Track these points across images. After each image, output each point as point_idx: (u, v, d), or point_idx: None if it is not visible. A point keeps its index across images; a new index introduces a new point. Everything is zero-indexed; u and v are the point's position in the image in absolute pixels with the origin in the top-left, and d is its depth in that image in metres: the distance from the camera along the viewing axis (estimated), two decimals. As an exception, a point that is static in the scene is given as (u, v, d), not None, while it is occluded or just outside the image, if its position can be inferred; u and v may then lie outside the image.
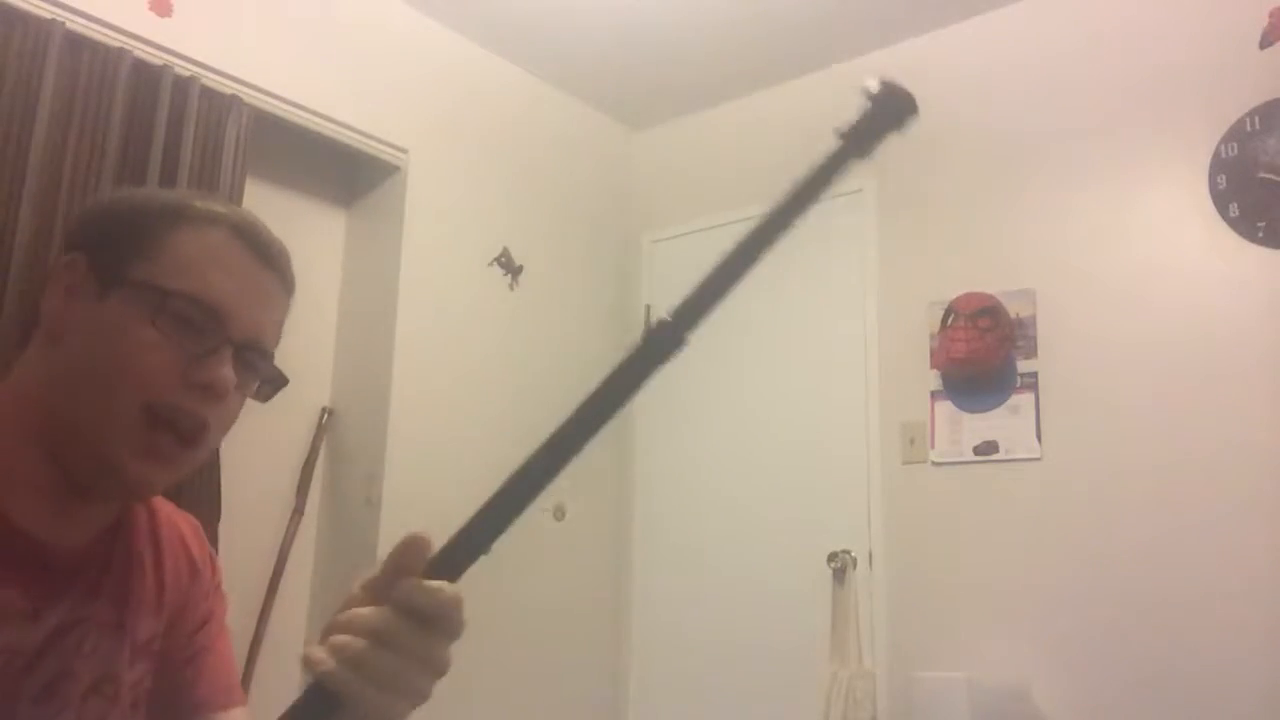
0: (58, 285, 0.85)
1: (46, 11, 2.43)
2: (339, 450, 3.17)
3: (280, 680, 2.95)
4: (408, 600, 0.61)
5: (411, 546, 0.64)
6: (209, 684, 0.99)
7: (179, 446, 0.83)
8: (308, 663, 0.60)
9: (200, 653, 0.99)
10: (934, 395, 3.12)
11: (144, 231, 0.85)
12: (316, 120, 3.04)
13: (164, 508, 1.00)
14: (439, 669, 0.64)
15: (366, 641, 0.60)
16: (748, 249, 0.77)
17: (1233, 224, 2.70)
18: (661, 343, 0.73)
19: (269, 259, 0.89)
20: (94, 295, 0.83)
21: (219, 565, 1.04)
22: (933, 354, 3.12)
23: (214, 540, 2.55)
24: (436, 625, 0.62)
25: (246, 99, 2.80)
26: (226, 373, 0.84)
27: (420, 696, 0.63)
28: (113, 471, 0.82)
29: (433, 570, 0.63)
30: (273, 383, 0.91)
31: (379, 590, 0.63)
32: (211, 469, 2.56)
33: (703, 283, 0.76)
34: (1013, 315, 2.98)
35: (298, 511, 3.02)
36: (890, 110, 0.79)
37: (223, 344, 0.84)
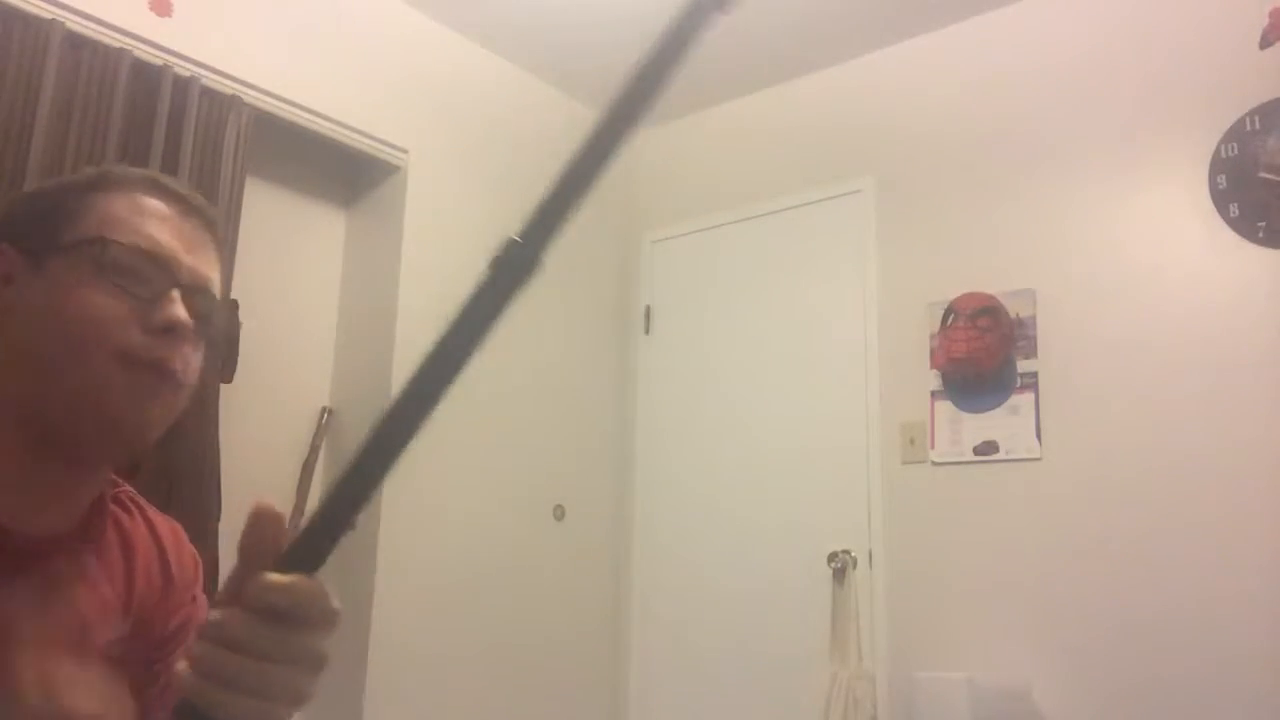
0: None
1: (46, 11, 2.43)
2: (339, 450, 3.17)
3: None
4: (260, 601, 0.56)
5: (257, 528, 0.58)
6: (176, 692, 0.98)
7: (160, 380, 0.84)
8: (174, 679, 0.57)
9: (173, 660, 0.97)
10: (934, 395, 3.12)
11: (66, 203, 0.86)
12: (316, 120, 3.04)
13: (144, 509, 0.99)
14: (312, 666, 0.59)
15: (224, 650, 0.56)
16: (604, 135, 0.67)
17: (1233, 224, 2.70)
18: (516, 267, 0.63)
19: (192, 209, 0.91)
20: (28, 276, 0.84)
21: (200, 572, 1.02)
22: (933, 354, 3.12)
23: (214, 540, 2.55)
24: (300, 622, 0.58)
25: (246, 99, 2.80)
26: (181, 313, 0.85)
27: (298, 698, 0.59)
28: (107, 421, 0.82)
29: (289, 561, 0.57)
30: (215, 328, 0.91)
31: (235, 586, 0.58)
32: (211, 469, 2.57)
33: (560, 183, 0.67)
34: (1013, 315, 2.98)
35: (298, 511, 3.02)
36: None
37: (171, 286, 0.85)
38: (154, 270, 0.85)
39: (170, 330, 0.84)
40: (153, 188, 0.89)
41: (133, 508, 0.98)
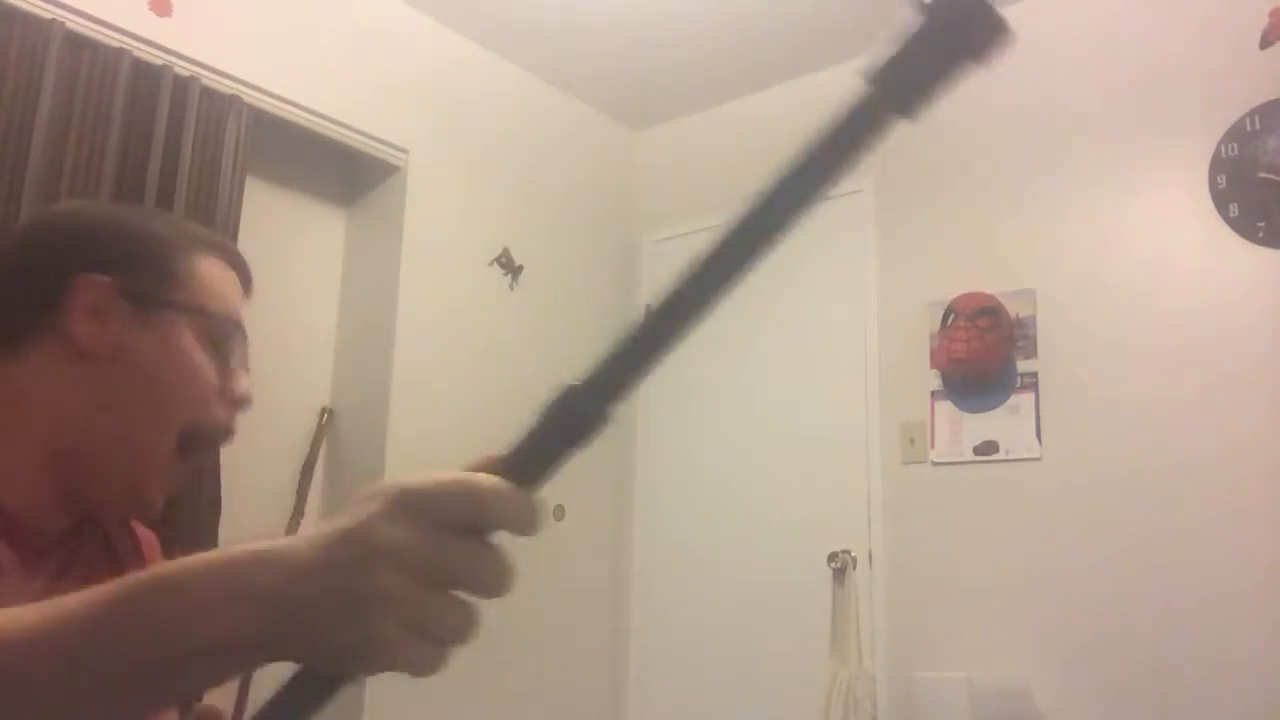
0: (80, 303, 0.84)
1: (46, 11, 2.43)
2: (339, 450, 3.17)
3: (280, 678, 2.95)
4: (445, 508, 0.46)
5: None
6: None
7: (217, 447, 0.91)
8: None
9: None
10: (934, 395, 3.12)
11: (166, 257, 0.89)
12: (316, 120, 3.04)
13: (130, 523, 1.01)
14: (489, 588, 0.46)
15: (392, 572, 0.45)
16: (727, 262, 0.57)
17: (1233, 224, 2.70)
18: (575, 423, 0.51)
19: (246, 276, 0.96)
20: (131, 317, 0.85)
21: None
22: (933, 354, 3.12)
23: (214, 540, 2.55)
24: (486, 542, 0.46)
25: (246, 99, 2.80)
26: (248, 384, 0.91)
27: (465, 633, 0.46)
28: (135, 500, 0.86)
29: (507, 465, 0.48)
30: None
31: None
32: (211, 469, 2.56)
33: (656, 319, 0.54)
34: (1013, 315, 2.98)
35: (298, 511, 3.02)
36: (955, 28, 0.49)
37: (244, 359, 0.92)
38: (237, 344, 0.90)
39: (245, 404, 0.90)
40: (229, 257, 0.94)
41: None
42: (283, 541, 0.46)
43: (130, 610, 0.45)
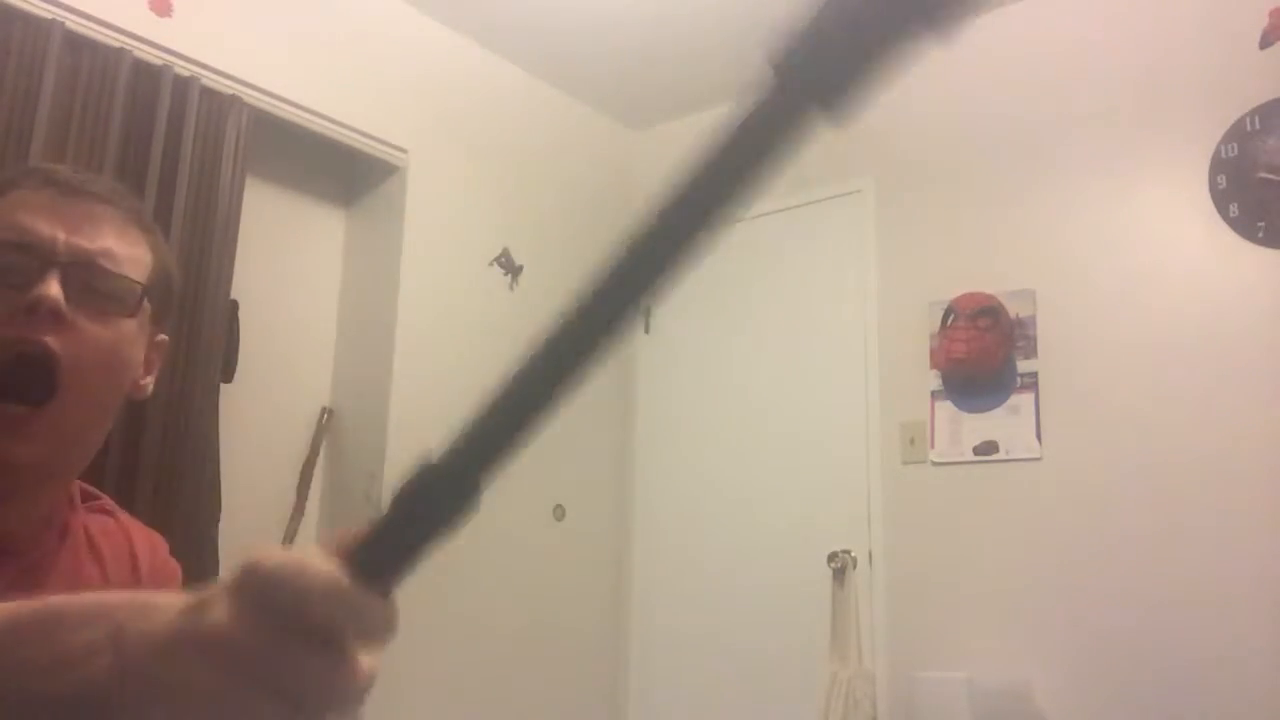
0: None
1: (46, 11, 2.43)
2: (339, 450, 3.17)
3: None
4: (276, 599, 0.42)
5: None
6: None
7: (25, 408, 0.80)
8: None
9: None
10: (934, 395, 3.12)
11: None
12: (316, 120, 3.04)
13: (122, 518, 0.97)
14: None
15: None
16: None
17: (1233, 224, 2.70)
18: (435, 509, 0.43)
19: (77, 189, 0.88)
20: None
21: (176, 581, 0.99)
22: (933, 354, 3.12)
23: (214, 540, 2.55)
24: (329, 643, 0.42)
25: (246, 99, 2.80)
26: (48, 288, 0.81)
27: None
28: None
29: (361, 560, 0.43)
30: (123, 297, 0.87)
31: None
32: (211, 469, 2.56)
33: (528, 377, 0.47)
34: (1013, 315, 2.98)
35: (298, 511, 3.02)
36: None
37: (42, 269, 0.83)
38: (23, 258, 0.83)
39: (34, 308, 0.81)
40: (37, 179, 0.87)
41: (109, 514, 0.96)
42: (159, 601, 0.44)
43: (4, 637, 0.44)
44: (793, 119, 0.41)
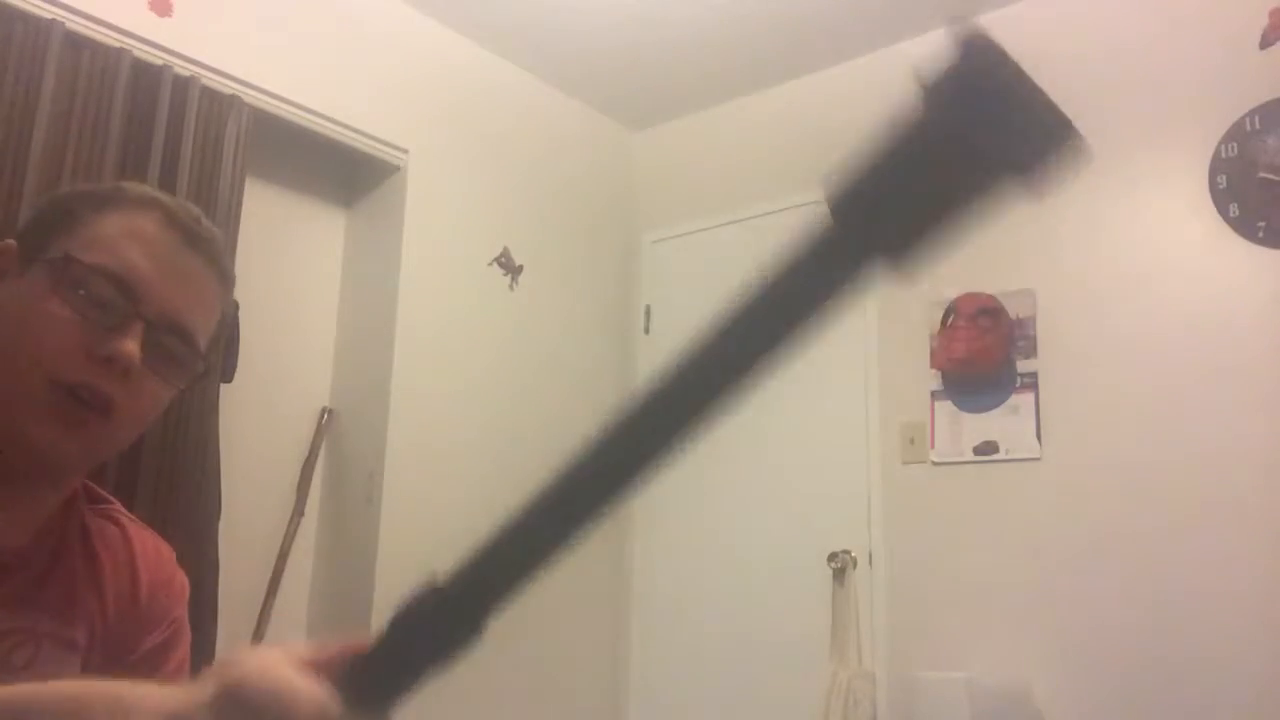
0: None
1: (46, 11, 2.43)
2: (339, 450, 3.17)
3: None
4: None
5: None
6: (162, 668, 0.94)
7: (88, 412, 0.81)
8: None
9: (160, 627, 0.95)
10: (934, 395, 3.12)
11: (71, 214, 0.85)
12: (316, 120, 3.04)
13: (126, 525, 0.96)
14: None
15: None
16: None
17: (1233, 224, 2.70)
18: (436, 638, 0.42)
19: (195, 241, 0.87)
20: (15, 277, 0.84)
21: (185, 596, 0.98)
22: (933, 354, 3.12)
23: (214, 540, 2.55)
24: None
25: (246, 99, 2.80)
26: (130, 347, 0.81)
27: None
28: (21, 440, 0.80)
29: (350, 682, 0.43)
30: (188, 368, 0.88)
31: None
32: (211, 469, 2.56)
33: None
34: (1013, 315, 2.98)
35: (298, 511, 3.02)
36: (986, 126, 0.32)
37: (131, 319, 0.82)
38: (118, 299, 0.82)
39: (112, 362, 0.80)
40: (156, 210, 0.86)
41: (114, 522, 0.95)
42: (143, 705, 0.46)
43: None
44: (850, 267, 0.33)
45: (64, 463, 0.85)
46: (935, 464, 3.08)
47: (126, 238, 0.84)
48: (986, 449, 2.99)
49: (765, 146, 3.70)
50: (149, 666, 0.92)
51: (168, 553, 0.99)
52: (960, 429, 3.04)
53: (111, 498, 0.97)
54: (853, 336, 3.33)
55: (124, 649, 0.91)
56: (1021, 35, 2.81)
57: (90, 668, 0.88)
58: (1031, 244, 3.02)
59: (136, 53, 2.58)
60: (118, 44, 2.55)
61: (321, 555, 3.10)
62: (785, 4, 3.27)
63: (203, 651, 2.05)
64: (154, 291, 0.84)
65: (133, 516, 0.98)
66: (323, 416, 3.16)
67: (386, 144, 3.21)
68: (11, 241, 0.86)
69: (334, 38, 3.09)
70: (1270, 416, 2.57)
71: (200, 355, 0.89)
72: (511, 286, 3.52)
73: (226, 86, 2.77)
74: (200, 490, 2.50)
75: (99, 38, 2.53)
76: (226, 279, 0.92)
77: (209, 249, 0.89)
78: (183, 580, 0.99)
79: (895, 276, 0.32)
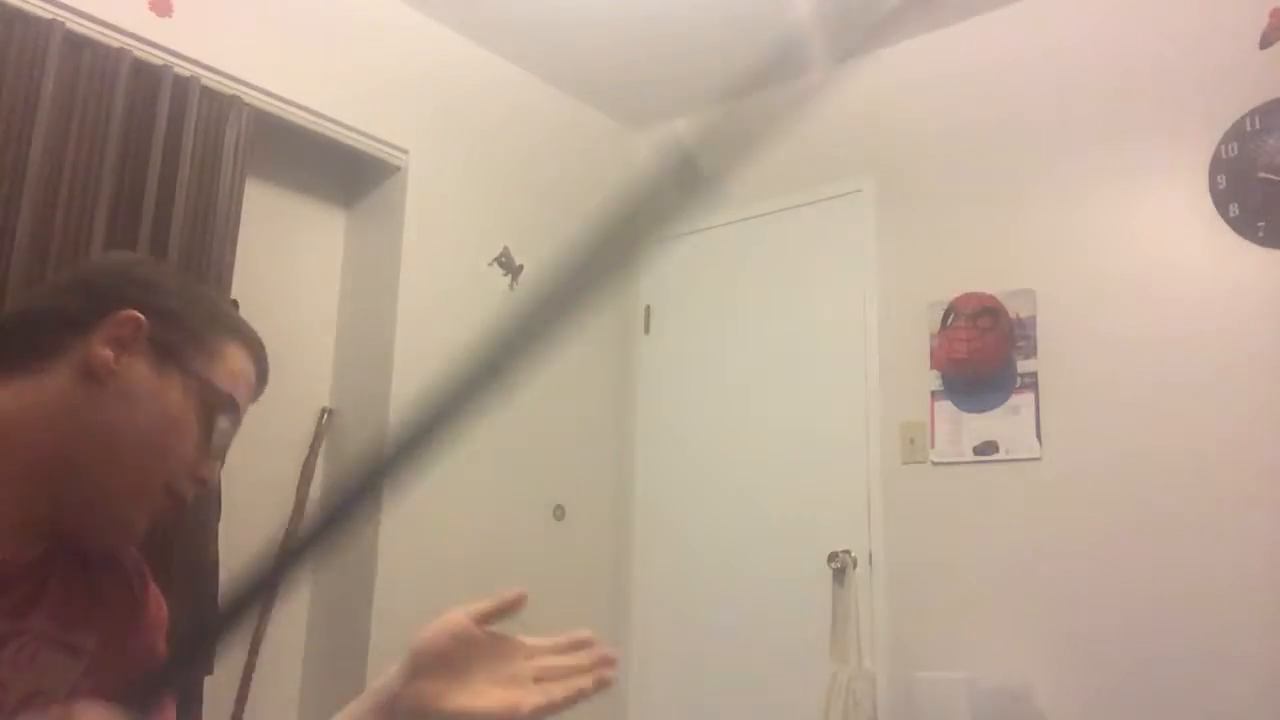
0: (109, 330, 0.87)
1: (46, 11, 2.43)
2: (339, 450, 3.17)
3: (279, 681, 2.95)
4: None
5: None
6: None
7: (174, 512, 0.93)
8: None
9: (144, 660, 0.97)
10: (934, 395, 3.12)
11: (203, 326, 0.94)
12: (316, 120, 3.04)
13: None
14: None
15: None
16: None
17: (1233, 224, 2.70)
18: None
19: (264, 378, 1.03)
20: (149, 363, 0.89)
21: (164, 619, 1.02)
22: (933, 354, 3.11)
23: (214, 540, 2.55)
24: None
25: (246, 99, 2.80)
26: (216, 477, 0.96)
27: None
28: (125, 528, 0.89)
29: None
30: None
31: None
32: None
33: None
34: (1013, 315, 2.98)
35: (298, 511, 3.02)
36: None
37: (222, 445, 0.95)
38: (228, 431, 0.95)
39: (205, 485, 0.94)
40: (255, 358, 1.00)
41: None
42: None
43: None
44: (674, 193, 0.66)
45: (132, 542, 0.94)
46: (935, 464, 3.08)
47: (241, 374, 0.97)
48: (986, 449, 2.99)
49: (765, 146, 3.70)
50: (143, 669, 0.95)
51: (140, 560, 1.02)
52: (960, 429, 3.04)
53: None
54: (853, 336, 3.33)
55: (127, 651, 0.94)
56: (1022, 35, 2.83)
57: (97, 671, 0.90)
58: (1031, 244, 3.03)
59: (136, 53, 2.58)
60: (118, 44, 2.55)
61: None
62: (785, 4, 3.27)
63: (203, 651, 2.04)
64: (240, 422, 0.97)
65: None
66: (323, 416, 3.16)
67: (386, 144, 3.21)
68: (138, 315, 0.88)
69: (334, 38, 3.09)
70: (1270, 416, 2.57)
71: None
72: (511, 286, 3.52)
73: (226, 86, 2.77)
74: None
75: (99, 38, 2.53)
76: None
77: (268, 377, 1.04)
78: (161, 599, 1.03)
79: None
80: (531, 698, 0.85)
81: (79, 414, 0.85)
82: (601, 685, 0.87)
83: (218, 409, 0.92)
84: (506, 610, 0.92)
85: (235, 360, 0.95)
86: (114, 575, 0.96)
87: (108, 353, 0.86)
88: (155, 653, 0.98)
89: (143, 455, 0.87)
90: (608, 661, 0.90)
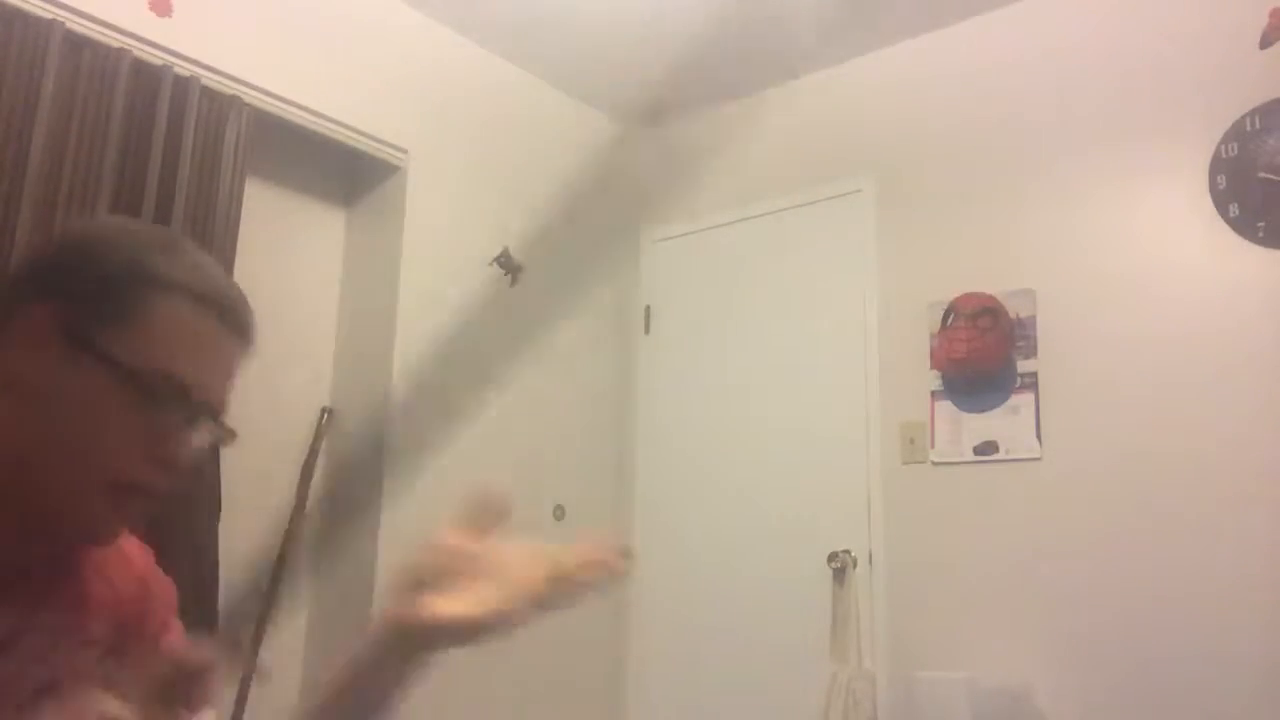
0: (19, 331, 0.82)
1: (46, 11, 2.43)
2: (339, 450, 3.17)
3: (279, 680, 2.95)
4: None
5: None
6: None
7: (146, 502, 0.85)
8: None
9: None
10: (934, 395, 3.12)
11: (113, 295, 0.82)
12: (316, 120, 3.04)
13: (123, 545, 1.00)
14: None
15: None
16: None
17: (1233, 224, 2.70)
18: None
19: (235, 326, 0.88)
20: (59, 355, 0.81)
21: (174, 598, 1.01)
22: (933, 354, 3.11)
23: (214, 540, 2.55)
24: None
25: (246, 99, 2.80)
26: (187, 450, 0.84)
27: None
28: (74, 522, 0.84)
29: None
30: (216, 440, 0.90)
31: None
32: (211, 469, 2.56)
33: None
34: (1013, 315, 2.98)
35: (298, 511, 3.02)
36: None
37: (188, 421, 0.84)
38: (176, 401, 0.83)
39: (171, 465, 0.84)
40: (200, 303, 0.85)
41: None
42: None
43: None
44: None
45: (110, 539, 0.89)
46: (935, 464, 3.08)
47: (175, 336, 0.83)
48: (986, 449, 2.99)
49: (766, 146, 3.70)
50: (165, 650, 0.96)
51: (143, 547, 1.02)
52: (960, 429, 3.04)
53: None
54: (853, 337, 3.33)
55: (143, 639, 0.95)
56: (1022, 35, 2.84)
57: (112, 658, 0.91)
58: (1031, 244, 3.03)
59: (136, 53, 2.57)
60: (118, 44, 2.55)
61: (321, 555, 3.10)
62: (786, 4, 3.27)
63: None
64: (207, 392, 0.85)
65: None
66: (323, 416, 3.16)
67: (386, 144, 3.21)
68: (43, 307, 0.82)
69: (334, 38, 3.09)
70: (1270, 416, 2.57)
71: (230, 431, 0.90)
72: (511, 286, 3.52)
73: (226, 86, 2.77)
74: (200, 490, 2.50)
75: (99, 38, 2.52)
76: (252, 340, 0.92)
77: (244, 324, 0.89)
78: (169, 581, 1.03)
79: None
80: (527, 595, 0.82)
81: (20, 427, 0.81)
82: (610, 574, 0.82)
83: (144, 385, 0.81)
84: (491, 516, 0.88)
85: (157, 320, 0.82)
86: (122, 563, 0.96)
87: (22, 356, 0.81)
88: (169, 633, 0.98)
89: (58, 460, 0.81)
90: (618, 552, 0.82)
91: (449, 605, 0.78)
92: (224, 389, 0.88)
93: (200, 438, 0.87)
